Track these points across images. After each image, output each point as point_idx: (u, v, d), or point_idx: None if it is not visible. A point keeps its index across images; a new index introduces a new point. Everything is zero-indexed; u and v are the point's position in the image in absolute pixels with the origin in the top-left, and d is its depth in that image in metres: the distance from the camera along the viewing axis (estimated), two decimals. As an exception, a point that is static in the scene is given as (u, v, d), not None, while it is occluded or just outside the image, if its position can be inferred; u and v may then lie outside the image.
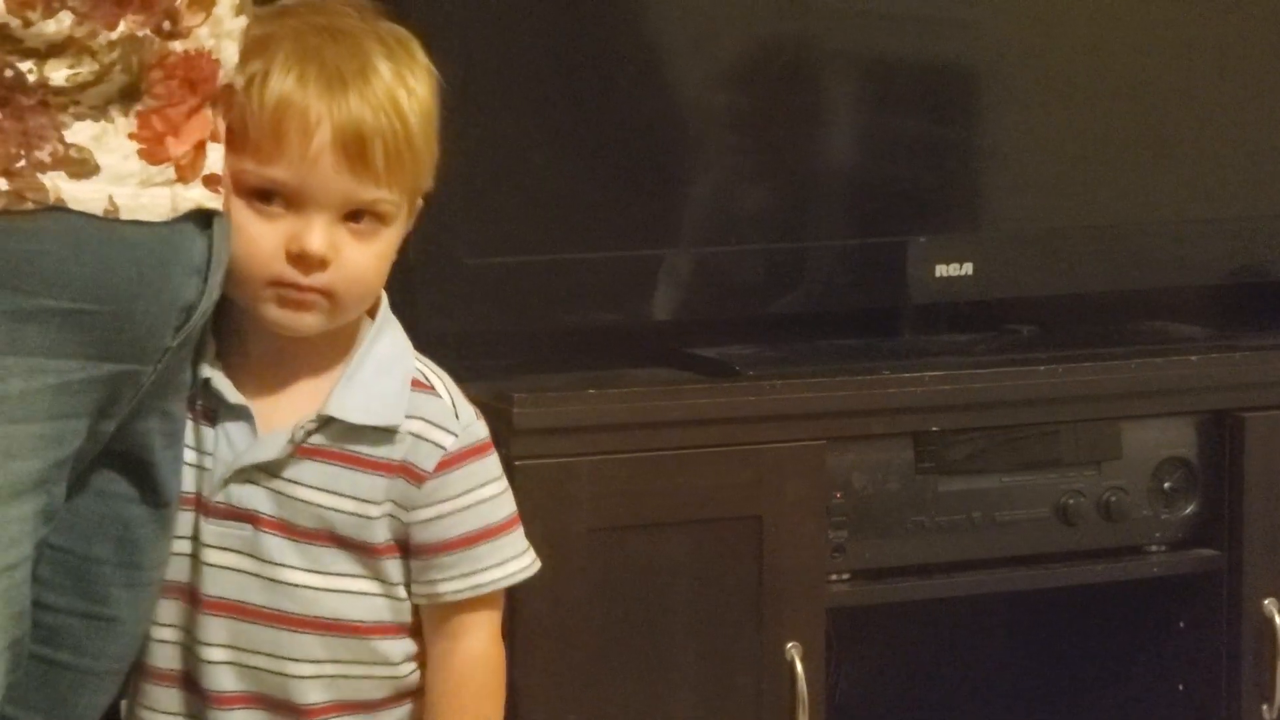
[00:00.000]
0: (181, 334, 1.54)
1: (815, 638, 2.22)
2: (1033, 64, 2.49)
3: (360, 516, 1.74)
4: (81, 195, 1.44)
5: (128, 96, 1.46)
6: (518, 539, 1.81)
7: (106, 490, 1.59)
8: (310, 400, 1.74)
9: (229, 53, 1.55)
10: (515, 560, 1.80)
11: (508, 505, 1.80)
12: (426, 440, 1.75)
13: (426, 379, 1.78)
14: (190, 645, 1.74)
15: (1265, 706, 2.40)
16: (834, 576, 2.25)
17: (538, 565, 1.83)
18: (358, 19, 1.73)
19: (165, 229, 1.49)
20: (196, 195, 1.52)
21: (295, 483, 1.73)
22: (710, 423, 2.18)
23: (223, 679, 1.73)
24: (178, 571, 1.73)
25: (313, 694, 1.75)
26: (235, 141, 1.65)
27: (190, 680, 1.75)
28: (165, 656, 1.75)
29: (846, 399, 2.25)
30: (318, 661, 1.74)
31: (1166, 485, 2.40)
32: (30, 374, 1.44)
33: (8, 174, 1.42)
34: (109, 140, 1.45)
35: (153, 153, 1.48)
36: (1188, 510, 2.41)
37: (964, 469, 2.32)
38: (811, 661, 2.20)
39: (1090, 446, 2.37)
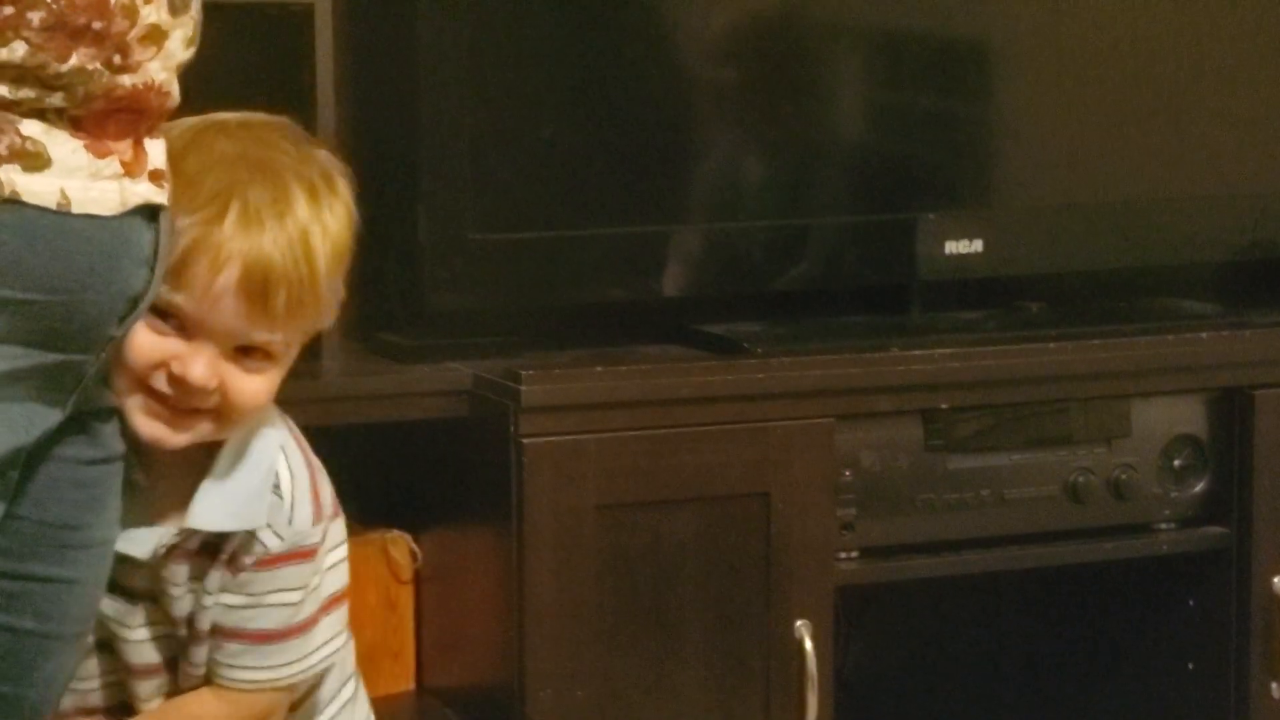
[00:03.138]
0: (126, 323, 1.55)
1: (824, 615, 2.21)
2: (1044, 40, 2.48)
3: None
4: (36, 188, 1.44)
5: (62, 112, 1.46)
6: (311, 638, 1.81)
7: (59, 455, 1.58)
8: (189, 498, 1.74)
9: (176, 84, 1.55)
10: (299, 662, 1.81)
11: (309, 608, 1.80)
12: (257, 539, 1.75)
13: (278, 480, 1.77)
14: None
15: (1274, 684, 2.40)
16: (843, 554, 2.25)
17: (328, 661, 1.84)
18: (289, 148, 1.72)
19: (115, 222, 1.50)
20: (144, 190, 1.52)
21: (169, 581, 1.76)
22: (718, 400, 2.18)
23: None
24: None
25: None
26: None
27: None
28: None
29: (855, 376, 2.24)
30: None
31: (1176, 463, 2.40)
32: None
33: None
34: (56, 135, 1.46)
35: (96, 147, 1.48)
36: (1197, 488, 2.41)
37: (973, 446, 2.32)
38: (820, 639, 2.20)
39: (1100, 424, 2.37)
